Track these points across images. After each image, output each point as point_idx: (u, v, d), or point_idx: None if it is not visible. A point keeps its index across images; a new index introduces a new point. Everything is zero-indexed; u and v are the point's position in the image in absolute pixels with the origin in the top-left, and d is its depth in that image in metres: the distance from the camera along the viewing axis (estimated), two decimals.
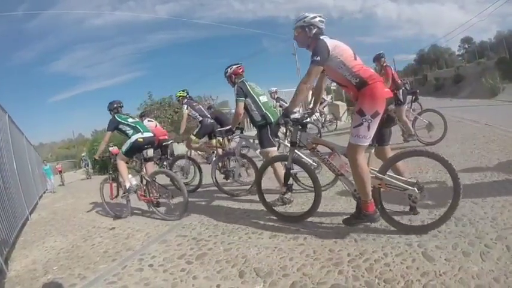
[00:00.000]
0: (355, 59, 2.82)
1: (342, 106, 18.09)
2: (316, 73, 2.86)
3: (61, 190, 14.91)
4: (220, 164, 5.50)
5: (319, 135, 7.38)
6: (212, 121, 6.77)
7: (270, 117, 4.33)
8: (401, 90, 6.59)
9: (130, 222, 4.82)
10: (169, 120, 17.37)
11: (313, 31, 2.98)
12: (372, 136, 2.73)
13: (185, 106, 6.77)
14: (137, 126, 5.05)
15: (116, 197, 5.45)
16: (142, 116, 8.16)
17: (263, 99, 4.50)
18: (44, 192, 13.70)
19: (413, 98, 7.32)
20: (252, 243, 3.11)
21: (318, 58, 2.75)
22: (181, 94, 7.11)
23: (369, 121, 2.66)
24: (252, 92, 4.44)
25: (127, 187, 4.98)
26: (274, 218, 3.65)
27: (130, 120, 5.15)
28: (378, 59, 6.93)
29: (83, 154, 24.55)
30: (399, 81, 6.74)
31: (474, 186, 3.55)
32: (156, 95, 19.78)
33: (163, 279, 2.72)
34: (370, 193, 2.77)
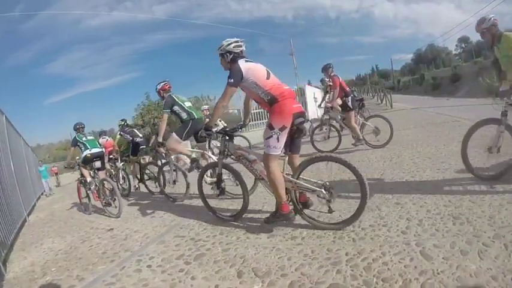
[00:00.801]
0: (268, 78, 3.19)
1: None
2: (230, 93, 3.22)
3: (58, 191, 14.89)
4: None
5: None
6: (141, 139, 8.21)
7: (194, 114, 5.41)
8: (350, 97, 7.08)
9: (128, 223, 4.81)
10: (167, 121, 17.29)
11: (230, 57, 3.36)
12: (282, 146, 3.11)
13: (118, 132, 8.63)
14: (87, 144, 6.31)
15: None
16: (100, 134, 9.68)
17: (187, 104, 5.57)
18: (41, 195, 13.65)
19: (360, 105, 8.03)
20: (250, 243, 3.11)
21: (232, 80, 3.15)
22: (120, 123, 8.68)
23: (278, 134, 3.03)
24: (177, 100, 5.48)
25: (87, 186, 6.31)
26: None
27: (84, 139, 6.40)
28: (325, 69, 7.41)
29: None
30: (347, 89, 7.25)
31: (472, 185, 3.57)
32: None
33: (161, 279, 2.72)
34: (284, 196, 3.17)
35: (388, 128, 6.69)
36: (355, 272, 2.24)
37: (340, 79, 7.21)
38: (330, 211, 3.12)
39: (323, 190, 3.08)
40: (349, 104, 7.02)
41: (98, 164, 6.35)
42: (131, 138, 8.14)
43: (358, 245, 2.64)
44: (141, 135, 8.45)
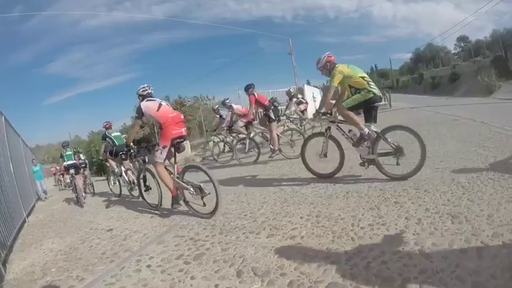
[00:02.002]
0: (158, 110, 4.55)
1: None
2: (137, 125, 5.05)
3: (57, 192, 14.77)
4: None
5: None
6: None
7: (116, 141, 7.52)
8: (271, 110, 7.71)
9: (127, 224, 4.82)
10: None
11: (140, 99, 4.95)
12: (164, 157, 4.51)
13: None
14: (65, 157, 9.49)
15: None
16: (75, 153, 11.49)
17: (114, 134, 7.59)
18: (37, 201, 11.56)
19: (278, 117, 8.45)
20: (249, 243, 3.11)
21: (136, 116, 4.79)
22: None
23: (161, 149, 4.45)
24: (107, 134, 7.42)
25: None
26: (271, 218, 3.69)
27: (65, 153, 9.56)
28: (246, 89, 8.09)
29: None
30: (267, 103, 7.89)
31: (470, 184, 3.57)
32: (153, 95, 19.76)
33: (161, 279, 2.72)
34: (171, 186, 4.50)
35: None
36: (354, 271, 2.24)
37: (256, 96, 7.88)
38: (204, 204, 4.27)
39: (191, 188, 4.29)
40: (272, 115, 7.63)
41: (72, 171, 9.20)
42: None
43: (357, 244, 2.64)
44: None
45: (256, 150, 8.24)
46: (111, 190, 8.47)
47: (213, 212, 4.13)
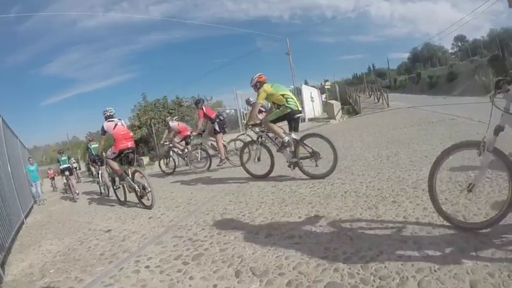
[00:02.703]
0: (114, 128, 6.06)
1: (337, 105, 18.20)
2: (102, 140, 6.68)
3: (55, 194, 14.69)
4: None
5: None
6: None
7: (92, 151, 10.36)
8: (216, 123, 8.38)
9: (126, 224, 4.82)
10: (164, 121, 17.33)
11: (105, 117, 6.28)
12: (112, 157, 6.12)
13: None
14: (61, 162, 12.08)
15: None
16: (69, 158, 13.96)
17: (93, 145, 10.08)
18: (32, 206, 10.18)
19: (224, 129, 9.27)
20: (247, 242, 3.11)
21: (101, 133, 6.32)
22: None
23: (112, 153, 6.10)
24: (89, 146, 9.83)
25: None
26: (270, 218, 3.70)
27: (60, 159, 12.22)
28: (196, 104, 9.13)
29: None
30: (213, 116, 8.54)
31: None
32: (151, 96, 19.79)
33: (160, 280, 2.72)
34: (118, 169, 6.18)
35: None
36: (352, 270, 2.24)
37: (205, 110, 8.64)
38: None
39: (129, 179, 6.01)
40: (216, 127, 8.35)
41: (67, 173, 11.32)
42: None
43: (356, 243, 2.64)
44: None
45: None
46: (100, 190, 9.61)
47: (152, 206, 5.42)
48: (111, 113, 6.31)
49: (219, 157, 8.33)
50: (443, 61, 46.52)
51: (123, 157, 6.11)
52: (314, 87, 26.83)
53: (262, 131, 5.85)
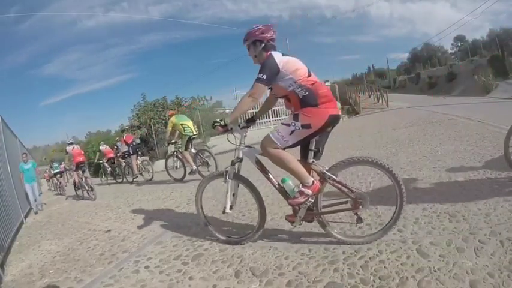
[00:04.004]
0: (72, 150, 8.90)
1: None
2: (66, 158, 9.92)
3: (53, 195, 14.63)
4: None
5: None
6: None
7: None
8: (130, 147, 10.58)
9: (125, 225, 4.82)
10: (164, 121, 17.31)
11: (68, 145, 9.01)
12: (74, 169, 9.19)
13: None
14: (53, 168, 15.03)
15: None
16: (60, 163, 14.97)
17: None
18: (27, 213, 8.88)
19: (139, 151, 11.08)
20: (247, 243, 3.11)
21: (66, 153, 9.54)
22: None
23: (74, 167, 8.93)
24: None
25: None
26: (269, 218, 3.64)
27: (53, 166, 15.04)
28: (121, 131, 10.95)
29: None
30: (129, 142, 10.70)
31: (468, 183, 3.59)
32: (151, 96, 19.77)
33: (159, 280, 2.72)
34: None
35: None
36: (352, 270, 2.25)
37: (125, 137, 10.99)
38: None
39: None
40: (130, 150, 10.58)
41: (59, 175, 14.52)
42: None
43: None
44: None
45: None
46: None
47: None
48: (71, 141, 7.94)
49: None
50: (442, 61, 46.44)
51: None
52: None
53: (179, 150, 7.70)
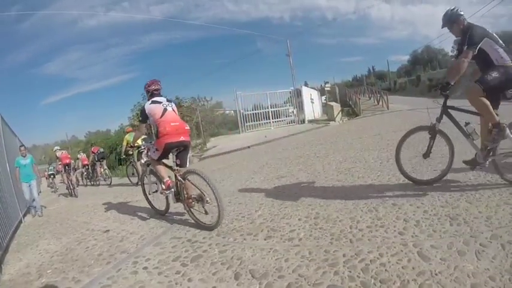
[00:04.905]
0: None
1: (336, 107, 18.20)
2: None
3: (54, 194, 14.55)
4: None
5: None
6: None
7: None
8: (95, 155, 13.42)
9: (124, 225, 4.79)
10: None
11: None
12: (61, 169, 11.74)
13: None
14: (48, 169, 17.68)
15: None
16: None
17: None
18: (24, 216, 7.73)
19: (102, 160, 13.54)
20: (247, 244, 3.10)
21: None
22: None
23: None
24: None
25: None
26: (269, 219, 3.68)
27: (48, 168, 17.55)
28: (91, 145, 13.96)
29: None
30: (95, 152, 13.65)
31: (469, 186, 3.58)
32: None
33: (158, 281, 2.69)
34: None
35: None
36: (352, 273, 2.23)
37: (92, 149, 14.57)
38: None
39: None
40: (96, 158, 13.41)
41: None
42: None
43: (356, 246, 2.62)
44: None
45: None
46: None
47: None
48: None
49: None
50: (443, 64, 46.55)
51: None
52: (314, 88, 26.80)
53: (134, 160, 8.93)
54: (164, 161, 4.30)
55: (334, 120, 16.82)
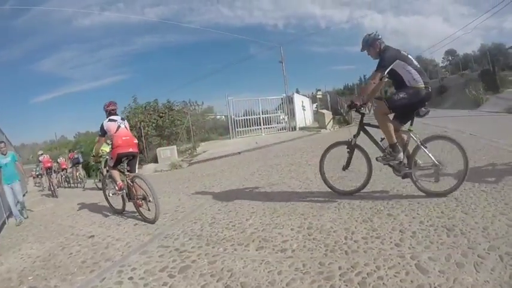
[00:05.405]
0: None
1: (328, 114, 18.24)
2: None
3: (39, 194, 14.24)
4: None
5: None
6: None
7: None
8: (72, 160, 14.95)
9: (110, 230, 4.65)
10: (154, 125, 17.12)
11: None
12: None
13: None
14: (36, 170, 20.10)
15: None
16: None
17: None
18: (7, 219, 7.34)
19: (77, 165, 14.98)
20: (238, 255, 2.98)
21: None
22: None
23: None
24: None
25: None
26: (261, 229, 3.57)
27: (35, 168, 20.31)
28: (69, 151, 15.52)
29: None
30: (71, 158, 15.22)
31: (463, 196, 3.54)
32: (142, 99, 19.47)
33: None
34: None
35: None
36: (349, 287, 2.14)
37: (69, 155, 16.66)
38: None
39: None
40: (70, 164, 14.89)
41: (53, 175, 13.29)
42: None
43: (351, 258, 2.54)
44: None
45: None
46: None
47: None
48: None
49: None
50: (434, 74, 47.06)
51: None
52: (305, 96, 26.86)
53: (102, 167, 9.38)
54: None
55: (325, 127, 16.80)
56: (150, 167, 13.57)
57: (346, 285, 2.16)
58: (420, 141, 3.87)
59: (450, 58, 53.89)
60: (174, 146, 14.95)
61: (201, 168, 10.74)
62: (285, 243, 3.04)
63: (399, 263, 2.32)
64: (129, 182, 4.99)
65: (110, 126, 5.10)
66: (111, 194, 5.60)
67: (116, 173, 5.16)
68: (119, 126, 5.10)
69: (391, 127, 3.89)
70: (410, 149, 3.96)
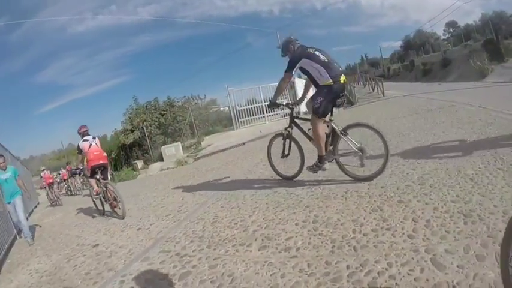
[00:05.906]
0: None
1: None
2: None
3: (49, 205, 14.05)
4: None
5: None
6: None
7: None
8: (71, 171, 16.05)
9: (114, 238, 4.59)
10: (157, 123, 17.01)
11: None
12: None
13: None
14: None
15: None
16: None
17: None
18: (18, 235, 7.04)
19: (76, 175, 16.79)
20: (239, 257, 2.82)
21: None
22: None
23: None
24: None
25: None
26: (264, 226, 3.40)
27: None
28: (66, 164, 17.31)
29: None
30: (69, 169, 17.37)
31: (479, 176, 3.27)
32: (143, 98, 19.40)
33: None
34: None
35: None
36: None
37: (68, 168, 17.70)
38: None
39: None
40: (69, 175, 16.05)
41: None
42: None
43: (360, 254, 2.33)
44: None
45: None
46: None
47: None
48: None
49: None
50: (436, 47, 46.18)
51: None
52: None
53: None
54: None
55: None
56: (156, 166, 13.50)
57: (355, 287, 1.97)
58: (340, 130, 4.19)
59: (451, 30, 52.86)
60: (179, 143, 14.86)
61: (205, 163, 10.61)
62: (289, 241, 2.87)
63: (413, 259, 2.11)
64: (103, 187, 6.20)
65: (83, 145, 6.35)
66: (95, 199, 6.78)
67: (92, 181, 6.42)
68: (90, 144, 6.32)
69: (323, 141, 4.19)
70: (335, 137, 4.25)
